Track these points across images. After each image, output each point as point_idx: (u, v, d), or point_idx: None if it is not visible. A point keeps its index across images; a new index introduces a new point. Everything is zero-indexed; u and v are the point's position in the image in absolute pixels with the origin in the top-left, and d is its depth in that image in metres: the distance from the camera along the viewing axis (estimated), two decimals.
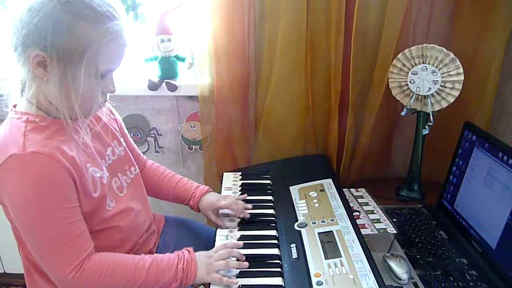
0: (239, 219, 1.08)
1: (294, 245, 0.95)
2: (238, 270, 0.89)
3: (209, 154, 1.44)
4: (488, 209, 1.01)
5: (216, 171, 1.42)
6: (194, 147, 1.51)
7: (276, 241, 0.99)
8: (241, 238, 1.00)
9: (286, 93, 1.31)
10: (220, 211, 1.09)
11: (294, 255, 0.92)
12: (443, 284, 0.92)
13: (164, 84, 1.34)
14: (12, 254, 0.96)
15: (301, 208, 1.09)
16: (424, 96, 1.20)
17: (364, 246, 0.90)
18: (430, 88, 1.18)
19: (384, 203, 1.24)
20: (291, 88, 1.30)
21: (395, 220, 1.16)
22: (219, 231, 1.04)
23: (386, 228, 1.10)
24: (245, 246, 0.96)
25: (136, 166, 1.03)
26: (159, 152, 1.53)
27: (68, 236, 0.76)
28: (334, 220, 1.01)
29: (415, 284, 0.91)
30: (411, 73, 1.20)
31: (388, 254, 0.99)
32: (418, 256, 1.02)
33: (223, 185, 1.25)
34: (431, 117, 1.20)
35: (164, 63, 1.35)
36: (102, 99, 0.82)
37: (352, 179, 1.42)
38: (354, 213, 1.07)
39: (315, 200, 1.10)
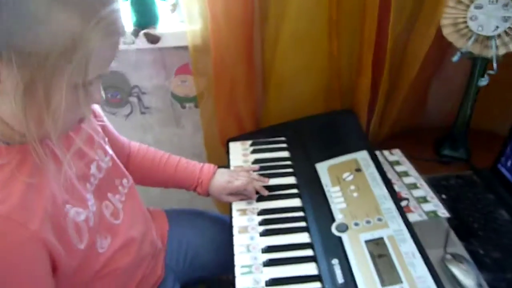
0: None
1: (337, 260, 0.75)
2: None
3: (208, 112, 1.16)
4: None
5: (217, 132, 1.17)
6: (187, 105, 1.23)
7: (311, 252, 0.79)
8: (266, 235, 0.80)
9: (304, 36, 1.00)
10: None
11: (340, 279, 0.72)
12: None
13: (141, 35, 1.01)
14: None
15: (336, 201, 0.87)
16: (487, 37, 0.92)
17: (429, 263, 0.71)
18: (497, 27, 0.89)
19: (424, 167, 1.04)
20: (311, 28, 0.99)
21: (444, 196, 0.96)
22: (235, 208, 0.88)
23: (436, 211, 0.91)
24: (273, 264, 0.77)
25: (129, 177, 0.79)
26: (145, 113, 1.24)
27: None
28: (382, 219, 0.80)
29: None
30: (474, 6, 0.90)
31: (449, 257, 0.80)
32: (481, 252, 0.83)
33: (231, 163, 1.02)
34: (494, 63, 0.93)
35: (139, 4, 1.00)
36: (86, 112, 0.57)
37: (383, 134, 1.19)
38: (402, 202, 0.86)
39: (352, 187, 0.88)
